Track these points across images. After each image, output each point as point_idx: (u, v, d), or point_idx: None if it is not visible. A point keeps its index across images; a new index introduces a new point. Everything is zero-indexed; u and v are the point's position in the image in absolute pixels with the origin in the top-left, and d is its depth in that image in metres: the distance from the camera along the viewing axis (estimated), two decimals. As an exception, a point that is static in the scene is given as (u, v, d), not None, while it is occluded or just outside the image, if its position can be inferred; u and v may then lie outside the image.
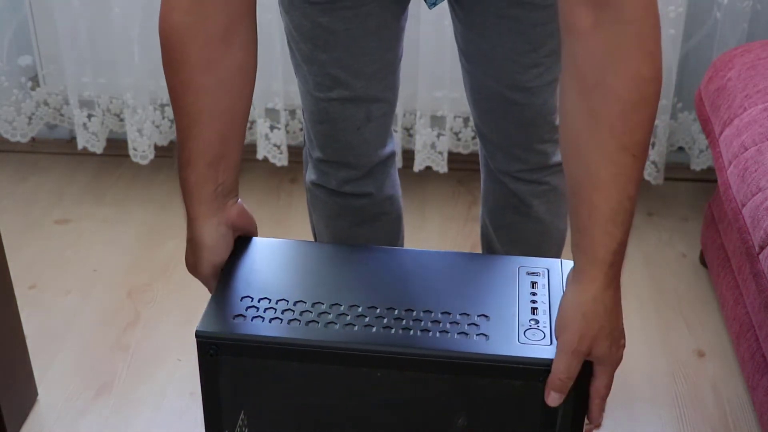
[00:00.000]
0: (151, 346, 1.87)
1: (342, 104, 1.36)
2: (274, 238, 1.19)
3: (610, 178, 0.95)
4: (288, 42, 1.39)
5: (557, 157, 1.47)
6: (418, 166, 2.34)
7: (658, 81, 0.96)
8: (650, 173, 2.29)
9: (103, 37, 2.29)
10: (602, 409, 1.02)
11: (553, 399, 0.97)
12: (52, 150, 2.54)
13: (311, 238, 1.61)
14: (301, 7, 1.29)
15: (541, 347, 0.99)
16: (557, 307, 1.01)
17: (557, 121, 1.43)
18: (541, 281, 1.08)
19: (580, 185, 0.97)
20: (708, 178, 2.34)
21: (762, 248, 1.51)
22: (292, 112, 2.37)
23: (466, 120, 2.33)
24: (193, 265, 1.15)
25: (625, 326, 1.97)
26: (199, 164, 1.10)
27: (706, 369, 1.81)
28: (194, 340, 1.98)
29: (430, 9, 1.32)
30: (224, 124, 1.10)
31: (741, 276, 1.72)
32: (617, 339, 1.01)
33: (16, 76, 2.40)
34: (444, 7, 1.39)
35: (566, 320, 0.97)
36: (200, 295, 2.03)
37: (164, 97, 2.36)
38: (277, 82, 2.27)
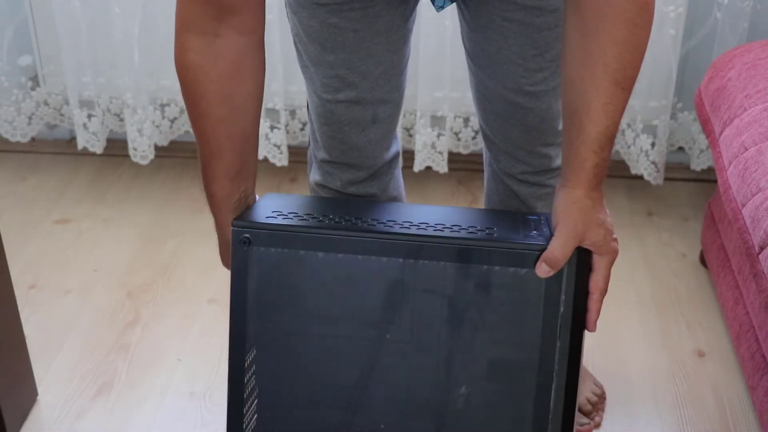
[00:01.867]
0: (151, 346, 1.87)
1: (348, 106, 1.36)
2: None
3: (601, 107, 1.08)
4: (295, 43, 1.39)
5: (560, 161, 1.47)
6: (418, 166, 2.34)
7: (649, 27, 1.09)
8: (650, 173, 2.29)
9: (103, 37, 2.29)
10: (599, 310, 1.10)
11: (543, 270, 1.07)
12: (52, 150, 2.54)
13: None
14: (310, 8, 1.30)
15: (541, 241, 1.10)
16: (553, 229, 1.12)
17: (560, 126, 1.43)
18: (540, 220, 1.18)
19: (575, 111, 1.10)
20: (708, 178, 2.34)
21: (762, 248, 1.51)
22: (292, 112, 2.37)
23: (466, 120, 2.33)
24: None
25: (625, 326, 1.98)
26: (224, 180, 1.20)
27: (706, 369, 1.81)
28: (194, 340, 1.99)
29: (438, 12, 1.32)
30: (242, 144, 1.20)
31: (741, 276, 1.72)
32: (609, 231, 1.11)
33: (16, 76, 2.40)
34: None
35: (560, 212, 1.11)
36: (200, 296, 2.04)
37: (164, 96, 2.36)
38: (277, 82, 2.27)
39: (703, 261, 2.07)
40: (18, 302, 1.64)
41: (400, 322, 1.13)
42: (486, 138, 1.49)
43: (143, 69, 2.28)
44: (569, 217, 1.09)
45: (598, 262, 1.09)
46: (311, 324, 1.15)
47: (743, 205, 1.60)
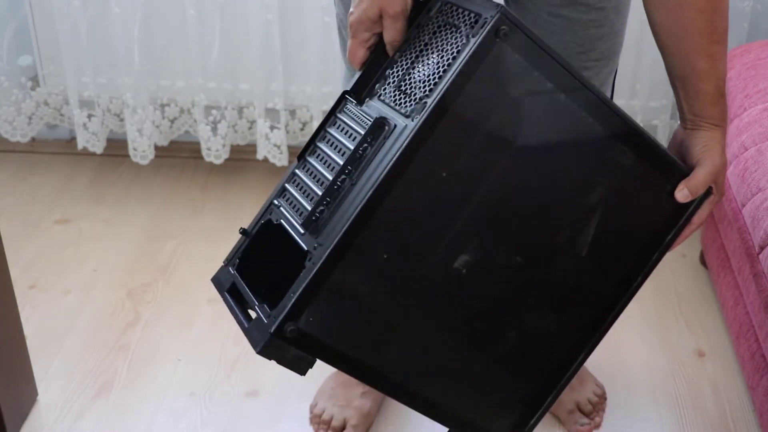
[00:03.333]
0: (151, 346, 1.87)
1: None
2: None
3: (708, 67, 1.18)
4: (339, 30, 1.41)
5: None
6: (418, 166, 2.34)
7: None
8: (650, 173, 2.29)
9: (103, 37, 2.29)
10: (686, 239, 1.21)
11: (683, 195, 1.16)
12: (52, 150, 2.54)
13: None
14: None
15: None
16: None
17: None
18: None
19: (685, 77, 1.20)
20: (708, 178, 2.35)
21: (762, 248, 1.51)
22: (292, 112, 2.37)
23: (466, 120, 2.32)
24: (383, 3, 1.11)
25: (625, 326, 1.98)
26: None
27: (706, 369, 1.81)
28: (194, 340, 1.99)
29: None
30: None
31: (741, 276, 1.72)
32: (726, 176, 1.26)
33: (16, 76, 2.40)
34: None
35: (703, 149, 1.20)
36: (200, 296, 2.04)
37: (164, 96, 2.36)
38: (277, 82, 2.27)
39: (703, 261, 2.07)
40: (18, 302, 1.64)
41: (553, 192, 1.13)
42: None
43: (143, 69, 2.28)
44: (715, 154, 1.19)
45: (708, 202, 1.19)
46: (486, 152, 1.07)
47: (743, 205, 1.60)
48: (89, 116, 2.38)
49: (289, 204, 1.12)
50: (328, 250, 1.02)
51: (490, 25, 1.02)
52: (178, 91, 2.35)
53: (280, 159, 2.35)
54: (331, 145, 1.11)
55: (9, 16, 2.35)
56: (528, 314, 1.18)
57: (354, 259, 1.03)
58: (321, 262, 1.02)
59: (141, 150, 2.37)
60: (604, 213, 1.14)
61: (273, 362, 1.79)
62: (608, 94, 1.41)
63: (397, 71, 1.11)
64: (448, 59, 1.05)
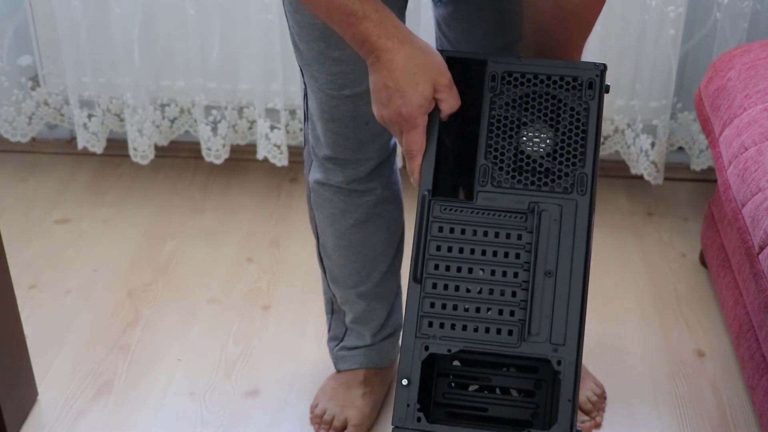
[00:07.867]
0: (151, 346, 1.87)
1: (353, 100, 1.38)
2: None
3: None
4: (294, 42, 1.40)
5: None
6: (418, 166, 2.34)
7: None
8: (650, 173, 2.29)
9: (103, 37, 2.29)
10: None
11: None
12: (52, 150, 2.54)
13: (312, 238, 1.61)
14: None
15: None
16: None
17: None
18: None
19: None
20: (708, 178, 2.34)
21: (762, 248, 1.51)
22: (292, 112, 2.37)
23: (466, 120, 2.32)
24: (434, 77, 1.12)
25: (625, 326, 1.98)
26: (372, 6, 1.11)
27: (706, 369, 1.81)
28: (194, 340, 1.99)
29: (437, 5, 1.37)
30: None
31: (741, 276, 1.72)
32: None
33: (16, 76, 2.40)
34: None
35: None
36: (200, 296, 2.03)
37: (164, 96, 2.36)
38: (277, 82, 2.27)
39: (703, 261, 2.07)
40: (18, 302, 1.64)
41: None
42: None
43: (143, 69, 2.28)
44: None
45: None
46: None
47: (743, 205, 1.60)
48: (89, 116, 2.38)
49: (455, 328, 1.09)
50: (577, 349, 1.06)
51: (601, 82, 1.09)
52: (178, 91, 2.35)
53: (280, 159, 2.35)
54: (468, 252, 1.11)
55: (9, 16, 2.35)
56: None
57: None
58: (576, 362, 1.06)
59: (141, 150, 2.37)
60: None
61: (273, 362, 1.80)
62: None
63: (498, 156, 1.12)
64: (570, 126, 1.10)
